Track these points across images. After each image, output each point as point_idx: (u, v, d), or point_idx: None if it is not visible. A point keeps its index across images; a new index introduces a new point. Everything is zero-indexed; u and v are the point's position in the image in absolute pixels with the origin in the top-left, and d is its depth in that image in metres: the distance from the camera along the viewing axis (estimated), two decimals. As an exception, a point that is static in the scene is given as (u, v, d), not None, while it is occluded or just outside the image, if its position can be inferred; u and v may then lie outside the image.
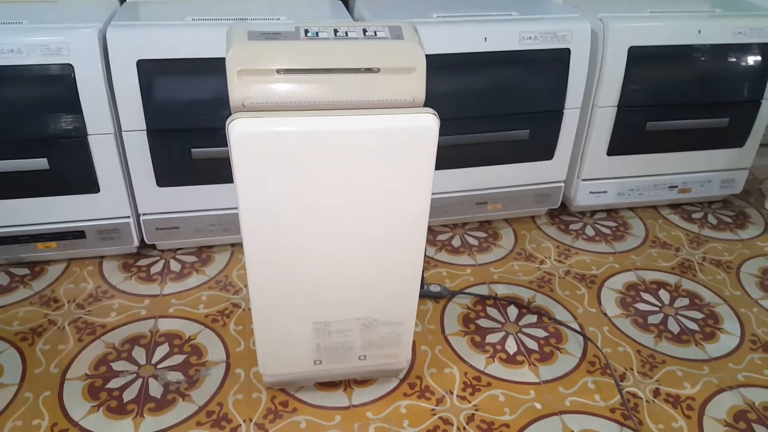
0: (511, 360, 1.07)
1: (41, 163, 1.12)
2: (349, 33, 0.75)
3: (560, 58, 1.26)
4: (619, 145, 1.39)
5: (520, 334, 1.13)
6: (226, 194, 1.24)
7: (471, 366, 1.05)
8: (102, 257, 1.29)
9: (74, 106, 1.09)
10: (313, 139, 0.69)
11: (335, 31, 0.76)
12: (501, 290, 1.24)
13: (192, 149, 1.17)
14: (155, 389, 0.99)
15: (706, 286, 1.27)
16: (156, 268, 1.27)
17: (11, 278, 1.23)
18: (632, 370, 1.06)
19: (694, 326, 1.16)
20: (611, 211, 1.53)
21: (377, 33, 0.76)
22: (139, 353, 1.06)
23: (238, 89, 0.73)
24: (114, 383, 1.00)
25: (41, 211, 1.18)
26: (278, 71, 0.73)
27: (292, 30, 0.75)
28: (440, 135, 1.27)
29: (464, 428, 0.94)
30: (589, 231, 1.45)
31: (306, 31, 0.75)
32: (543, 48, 1.24)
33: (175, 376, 1.02)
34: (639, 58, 1.29)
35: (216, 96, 1.14)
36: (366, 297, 0.85)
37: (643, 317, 1.18)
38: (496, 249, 1.37)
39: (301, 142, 0.68)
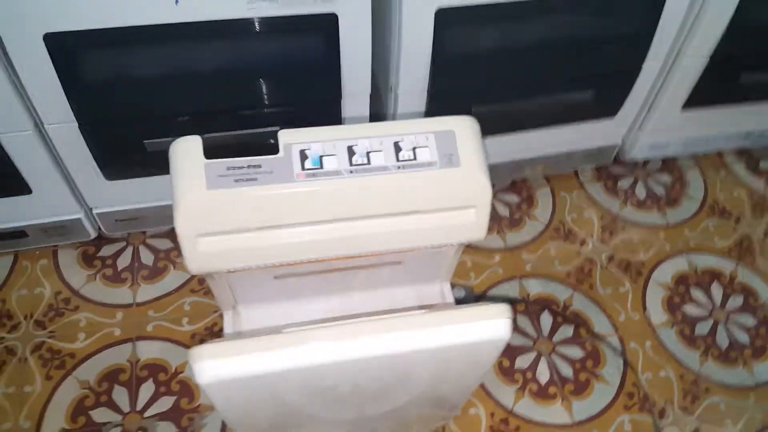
0: (542, 393, 0.95)
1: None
2: (371, 155, 0.45)
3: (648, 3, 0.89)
4: (700, 99, 1.08)
5: (553, 355, 0.99)
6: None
7: (498, 404, 0.94)
8: (56, 246, 1.07)
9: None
10: (325, 372, 0.45)
11: (349, 150, 0.45)
12: (534, 288, 1.07)
13: (145, 141, 0.88)
14: (145, 449, 0.88)
15: (765, 278, 1.10)
16: (124, 261, 1.06)
17: (-50, 279, 1.02)
18: (673, 403, 0.95)
19: (744, 338, 1.03)
20: (668, 160, 1.27)
21: (416, 153, 0.45)
22: (120, 395, 0.92)
23: (197, 259, 0.46)
24: (97, 441, 0.88)
25: (-37, 217, 0.93)
26: (259, 228, 0.46)
27: (280, 155, 0.44)
28: (484, 103, 0.99)
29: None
30: (640, 191, 1.21)
31: (303, 156, 0.45)
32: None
33: (167, 429, 0.90)
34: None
35: (164, 73, 0.81)
36: None
37: (691, 326, 1.04)
38: (531, 223, 1.15)
39: (304, 377, 0.45)
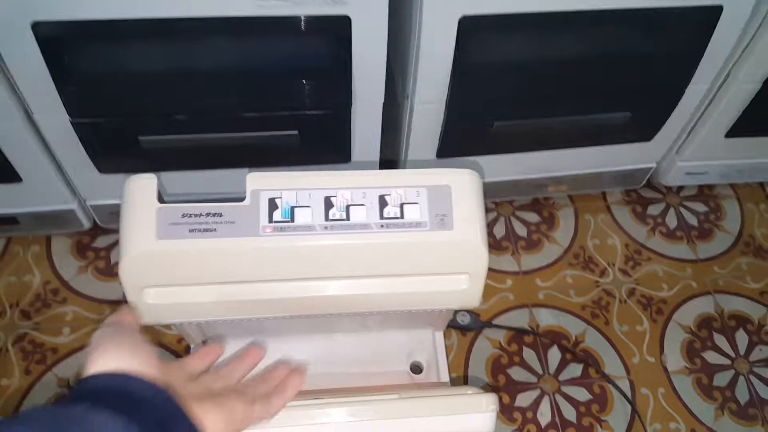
0: (542, 438, 0.89)
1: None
2: (351, 209, 0.39)
3: (705, 19, 0.80)
4: (747, 127, 0.98)
5: (557, 395, 0.93)
6: (195, 180, 0.92)
7: (493, 446, 0.88)
8: (51, 233, 1.03)
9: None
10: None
11: (327, 202, 0.39)
12: (545, 318, 1.00)
13: (140, 137, 0.82)
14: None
15: (800, 328, 1.02)
16: (117, 254, 1.02)
17: (-60, 260, 1.00)
18: (683, 462, 0.89)
19: (767, 393, 0.95)
20: (705, 187, 1.17)
21: (404, 210, 0.39)
22: (99, 397, 0.89)
23: (145, 310, 0.41)
24: (71, 442, 0.85)
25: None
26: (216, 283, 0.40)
27: (246, 203, 0.38)
28: (507, 118, 0.91)
29: None
30: (671, 220, 1.12)
31: (273, 205, 0.38)
32: (684, 5, 0.77)
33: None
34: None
35: (162, 69, 0.75)
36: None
37: (710, 376, 0.96)
38: (549, 246, 1.08)
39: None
